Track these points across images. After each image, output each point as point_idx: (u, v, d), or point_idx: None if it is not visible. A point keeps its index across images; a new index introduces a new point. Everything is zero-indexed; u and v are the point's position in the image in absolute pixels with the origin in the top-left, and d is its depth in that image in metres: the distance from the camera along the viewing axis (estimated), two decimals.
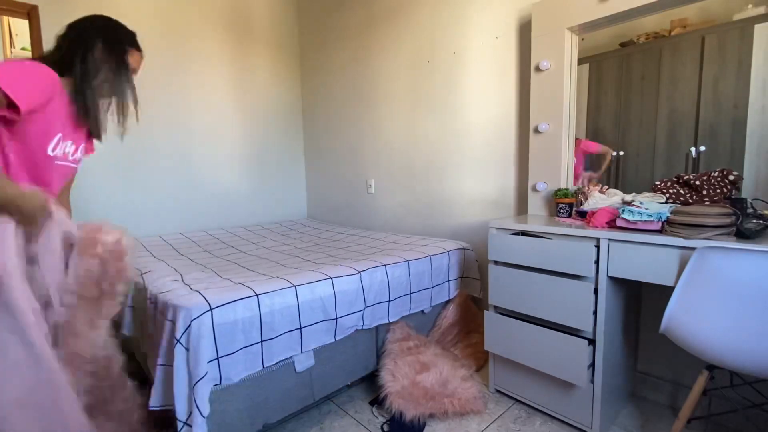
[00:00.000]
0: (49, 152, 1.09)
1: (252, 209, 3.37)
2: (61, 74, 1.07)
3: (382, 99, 2.88)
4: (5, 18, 3.28)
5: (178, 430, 1.17)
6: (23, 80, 0.96)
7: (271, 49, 3.44)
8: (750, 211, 1.27)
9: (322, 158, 3.52)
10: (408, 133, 2.73)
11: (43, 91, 1.01)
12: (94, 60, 1.13)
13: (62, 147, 1.13)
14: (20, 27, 3.65)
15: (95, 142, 1.28)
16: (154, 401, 1.27)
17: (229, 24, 3.16)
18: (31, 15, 2.34)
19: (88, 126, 1.18)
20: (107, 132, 1.24)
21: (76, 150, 1.19)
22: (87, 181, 2.53)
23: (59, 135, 1.10)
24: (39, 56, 1.22)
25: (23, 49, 3.66)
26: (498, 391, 1.79)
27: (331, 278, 1.61)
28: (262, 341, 1.37)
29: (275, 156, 3.53)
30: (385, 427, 1.58)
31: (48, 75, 1.03)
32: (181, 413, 1.19)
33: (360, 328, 1.69)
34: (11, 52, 3.50)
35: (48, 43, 2.36)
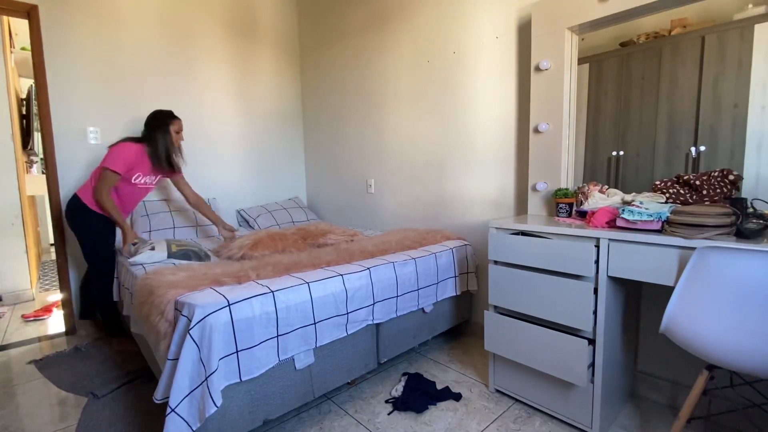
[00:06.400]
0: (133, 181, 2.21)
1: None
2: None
3: (382, 99, 2.88)
4: (5, 18, 3.28)
5: (166, 414, 1.20)
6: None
7: (272, 48, 3.44)
8: (750, 211, 1.27)
9: (323, 158, 3.52)
10: (408, 132, 2.73)
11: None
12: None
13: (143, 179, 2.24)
14: (20, 27, 3.66)
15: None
16: (159, 394, 1.29)
17: (230, 24, 3.16)
18: (31, 15, 2.34)
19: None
20: None
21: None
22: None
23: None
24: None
25: (23, 48, 3.66)
26: (498, 391, 1.79)
27: (342, 275, 1.65)
28: (278, 336, 1.41)
29: (275, 156, 3.53)
30: (396, 392, 1.64)
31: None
32: (173, 401, 1.20)
33: (371, 322, 1.73)
34: (11, 52, 3.50)
35: (48, 43, 2.37)
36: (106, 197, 2.07)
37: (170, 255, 2.05)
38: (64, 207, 2.47)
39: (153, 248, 2.04)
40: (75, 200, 2.16)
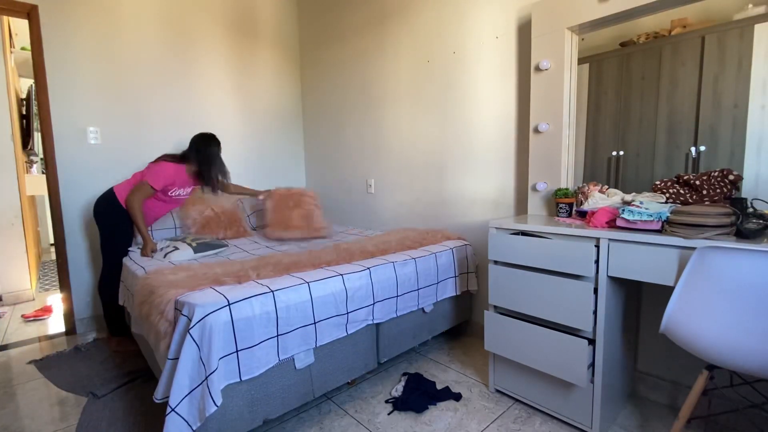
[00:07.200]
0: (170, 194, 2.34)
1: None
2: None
3: (382, 99, 2.88)
4: (5, 18, 3.28)
5: (166, 414, 1.20)
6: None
7: (272, 48, 3.44)
8: (750, 211, 1.27)
9: (322, 158, 3.52)
10: (408, 132, 2.73)
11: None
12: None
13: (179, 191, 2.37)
14: (20, 27, 3.66)
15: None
16: (159, 393, 1.29)
17: (230, 23, 3.16)
18: (31, 15, 2.34)
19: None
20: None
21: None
22: (90, 177, 2.54)
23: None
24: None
25: (23, 48, 3.66)
26: (498, 391, 1.79)
27: (342, 275, 1.65)
28: (278, 335, 1.41)
29: (275, 155, 3.53)
30: (396, 392, 1.65)
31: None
32: (173, 400, 1.21)
33: (371, 322, 1.73)
34: (11, 52, 3.50)
35: (48, 43, 2.37)
36: (136, 205, 2.19)
37: (195, 251, 2.21)
38: (64, 207, 2.48)
39: (177, 248, 2.18)
40: (110, 194, 2.25)
